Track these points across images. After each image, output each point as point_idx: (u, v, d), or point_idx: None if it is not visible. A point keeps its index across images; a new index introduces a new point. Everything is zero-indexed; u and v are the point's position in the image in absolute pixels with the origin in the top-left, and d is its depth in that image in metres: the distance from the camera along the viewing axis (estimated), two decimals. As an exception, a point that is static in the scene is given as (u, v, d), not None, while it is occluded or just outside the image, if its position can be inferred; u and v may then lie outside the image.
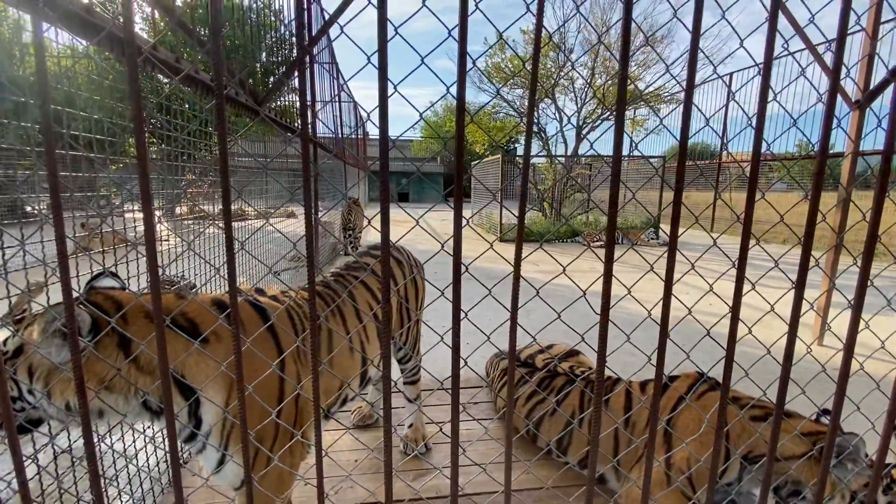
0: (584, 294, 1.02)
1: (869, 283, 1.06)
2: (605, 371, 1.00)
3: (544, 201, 13.74)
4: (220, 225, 0.87)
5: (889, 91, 1.23)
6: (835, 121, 1.00)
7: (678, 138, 0.90)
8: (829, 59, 1.21)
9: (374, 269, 1.93)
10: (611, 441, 2.03)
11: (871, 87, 1.25)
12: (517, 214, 0.96)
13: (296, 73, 0.91)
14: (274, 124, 2.92)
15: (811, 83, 1.09)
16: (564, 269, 1.06)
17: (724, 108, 12.65)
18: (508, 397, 1.02)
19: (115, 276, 1.31)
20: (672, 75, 0.95)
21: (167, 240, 3.20)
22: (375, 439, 2.47)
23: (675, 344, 1.09)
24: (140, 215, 0.79)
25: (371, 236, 11.29)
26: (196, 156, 2.86)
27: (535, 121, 14.44)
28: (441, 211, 19.52)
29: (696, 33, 0.90)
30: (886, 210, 1.03)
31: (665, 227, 12.71)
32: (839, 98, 1.45)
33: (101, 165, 1.94)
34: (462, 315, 0.96)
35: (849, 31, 1.00)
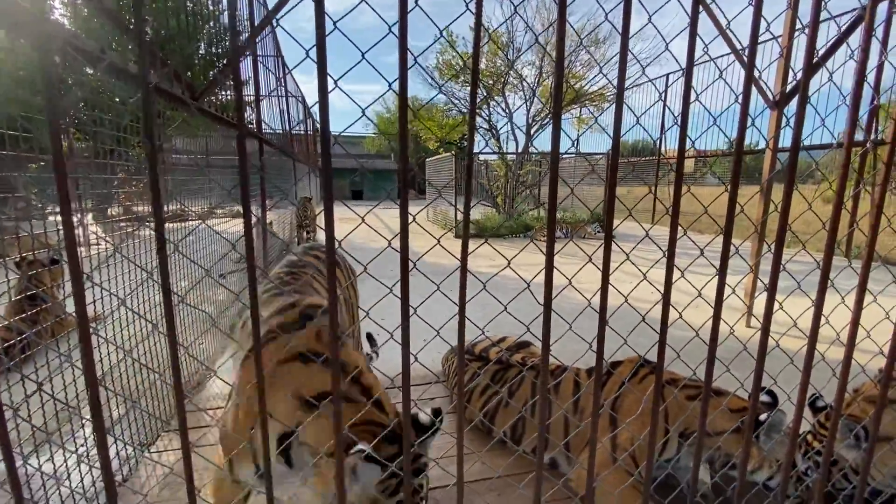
0: (529, 286, 1.05)
1: (782, 268, 1.16)
2: (549, 359, 1.04)
3: (496, 197, 13.97)
4: (152, 226, 0.83)
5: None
6: (752, 118, 1.08)
7: (610, 136, 0.95)
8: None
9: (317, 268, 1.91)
10: (561, 427, 2.12)
11: (787, 88, 1.38)
12: (462, 210, 0.98)
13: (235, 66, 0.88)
14: (212, 119, 2.78)
15: (728, 84, 1.18)
16: (509, 263, 1.09)
17: (658, 107, 13.37)
18: (459, 388, 1.04)
19: None
20: (606, 76, 1.01)
21: (97, 244, 2.98)
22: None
23: (613, 330, 1.15)
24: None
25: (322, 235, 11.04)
26: (129, 153, 2.68)
27: (487, 118, 14.61)
28: (396, 208, 19.46)
29: (625, 36, 0.96)
30: (798, 202, 1.14)
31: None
32: (760, 98, 1.57)
33: (16, 164, 1.78)
34: (411, 311, 0.97)
35: (763, 40, 1.09)
